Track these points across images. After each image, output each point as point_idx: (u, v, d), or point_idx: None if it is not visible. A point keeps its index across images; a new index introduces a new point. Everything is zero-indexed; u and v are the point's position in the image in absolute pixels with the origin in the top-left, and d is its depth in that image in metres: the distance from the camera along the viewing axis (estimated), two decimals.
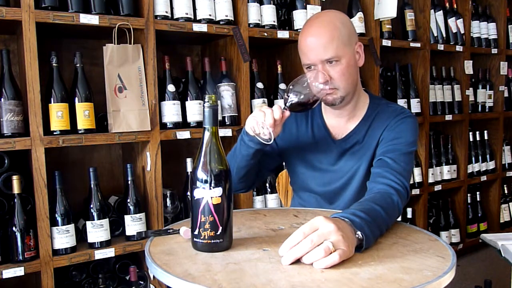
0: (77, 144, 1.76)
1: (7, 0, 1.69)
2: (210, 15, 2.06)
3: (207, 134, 0.98)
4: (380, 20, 2.69)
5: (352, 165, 1.44)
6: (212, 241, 0.96)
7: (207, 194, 0.95)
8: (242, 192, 1.60)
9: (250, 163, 1.39)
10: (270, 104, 2.34)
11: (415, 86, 2.98)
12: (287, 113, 1.27)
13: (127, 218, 1.91)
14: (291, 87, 1.28)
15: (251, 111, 2.25)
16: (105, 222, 1.84)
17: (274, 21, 2.26)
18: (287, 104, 1.27)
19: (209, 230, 0.95)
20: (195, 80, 2.12)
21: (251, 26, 2.19)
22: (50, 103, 1.74)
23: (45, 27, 1.73)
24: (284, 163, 1.62)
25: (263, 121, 1.23)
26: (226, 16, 2.10)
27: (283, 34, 2.27)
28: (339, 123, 1.48)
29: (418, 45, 2.93)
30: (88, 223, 1.82)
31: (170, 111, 2.01)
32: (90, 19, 1.76)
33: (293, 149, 1.53)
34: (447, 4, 3.20)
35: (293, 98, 1.26)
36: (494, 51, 3.46)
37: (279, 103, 1.31)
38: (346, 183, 1.45)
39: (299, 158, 1.52)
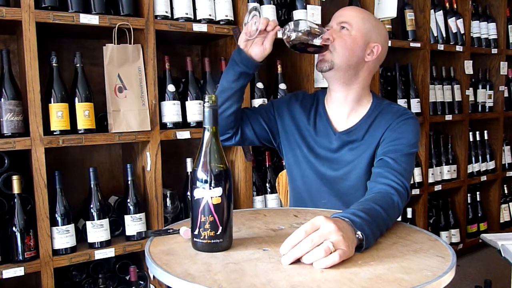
0: (77, 144, 1.76)
1: (7, 0, 1.69)
2: (210, 15, 2.06)
3: (207, 134, 0.98)
4: (380, 20, 2.69)
5: (350, 159, 1.43)
6: (212, 241, 0.96)
7: (207, 194, 0.95)
8: (227, 136, 1.49)
9: (232, 86, 1.40)
10: None
11: (415, 86, 2.98)
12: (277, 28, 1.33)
13: (127, 218, 1.91)
14: (296, 22, 1.33)
15: None
16: (105, 222, 1.84)
17: None
18: (286, 31, 1.32)
19: (209, 230, 0.95)
20: (195, 80, 2.12)
21: None
22: (50, 103, 1.74)
23: (45, 27, 1.73)
24: (281, 150, 1.58)
25: (258, 18, 1.29)
26: (226, 16, 2.09)
27: None
28: (341, 116, 1.48)
29: (418, 45, 2.92)
30: (88, 223, 1.82)
31: (170, 111, 2.01)
32: (90, 19, 1.76)
33: (293, 131, 1.52)
34: (447, 4, 3.20)
35: (291, 28, 1.31)
36: (494, 51, 3.46)
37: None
38: (343, 176, 1.44)
39: (299, 140, 1.51)
